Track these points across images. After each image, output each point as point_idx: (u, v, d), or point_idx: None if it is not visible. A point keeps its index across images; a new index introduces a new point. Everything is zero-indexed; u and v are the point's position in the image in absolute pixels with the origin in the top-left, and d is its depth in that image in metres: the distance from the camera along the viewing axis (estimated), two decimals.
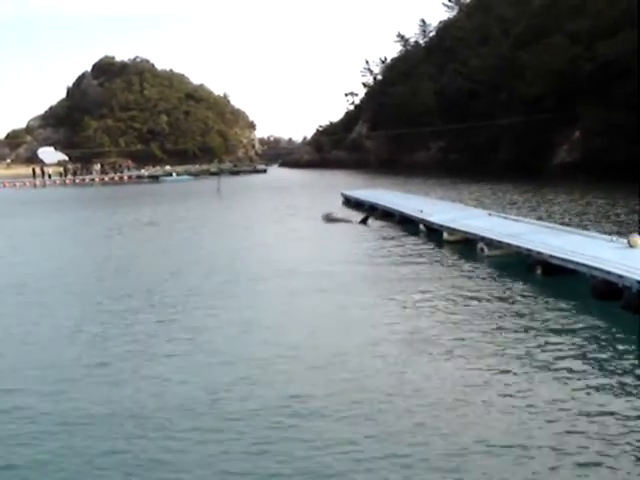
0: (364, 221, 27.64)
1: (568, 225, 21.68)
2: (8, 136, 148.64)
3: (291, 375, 9.72)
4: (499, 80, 65.58)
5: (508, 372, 9.42)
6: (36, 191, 73.27)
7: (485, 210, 25.95)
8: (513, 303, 13.24)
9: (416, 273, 16.76)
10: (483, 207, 28.44)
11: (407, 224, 25.37)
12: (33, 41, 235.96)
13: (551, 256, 15.18)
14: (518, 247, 17.00)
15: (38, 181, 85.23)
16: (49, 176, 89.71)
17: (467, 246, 19.70)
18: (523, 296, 13.78)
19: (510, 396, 8.62)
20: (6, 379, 10.20)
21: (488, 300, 13.55)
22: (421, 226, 23.91)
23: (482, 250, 18.60)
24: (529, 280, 15.22)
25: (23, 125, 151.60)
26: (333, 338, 11.47)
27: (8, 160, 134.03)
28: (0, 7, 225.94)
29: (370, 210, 30.89)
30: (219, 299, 14.73)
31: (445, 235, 21.38)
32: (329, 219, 28.89)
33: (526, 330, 11.34)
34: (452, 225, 21.41)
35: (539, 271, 15.52)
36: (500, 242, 17.97)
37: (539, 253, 15.71)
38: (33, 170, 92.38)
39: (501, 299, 13.61)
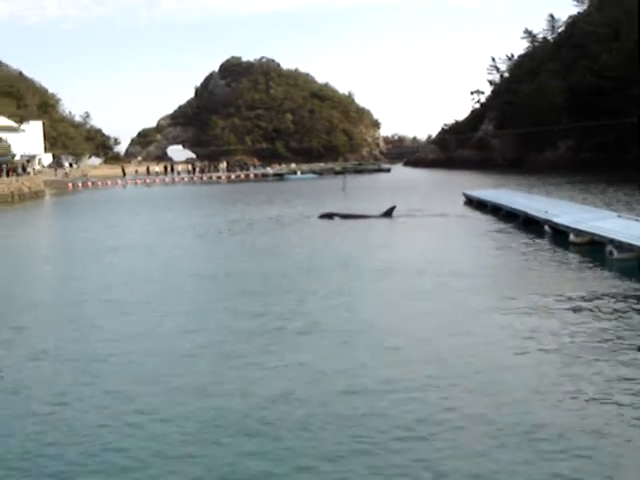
0: (389, 213, 29.82)
1: None
2: (139, 135, 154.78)
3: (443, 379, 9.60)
4: (631, 75, 63.27)
5: None
6: (168, 188, 75.48)
7: (614, 211, 25.17)
8: None
9: (542, 276, 16.48)
10: (612, 208, 27.58)
11: (532, 225, 24.91)
12: (163, 44, 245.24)
13: None
14: None
15: (167, 178, 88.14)
16: (178, 173, 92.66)
17: (595, 249, 19.17)
18: None
19: None
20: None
21: (619, 305, 13.13)
22: (546, 227, 23.41)
23: (611, 253, 18.06)
24: None
25: (153, 124, 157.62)
26: (467, 341, 11.38)
27: (139, 158, 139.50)
28: (134, 12, 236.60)
29: (494, 211, 30.52)
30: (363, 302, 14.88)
31: (571, 237, 20.86)
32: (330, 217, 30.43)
33: None
34: (579, 227, 20.88)
35: None
36: (631, 245, 17.42)
37: None
38: (165, 167, 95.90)
39: (632, 305, 13.14)
